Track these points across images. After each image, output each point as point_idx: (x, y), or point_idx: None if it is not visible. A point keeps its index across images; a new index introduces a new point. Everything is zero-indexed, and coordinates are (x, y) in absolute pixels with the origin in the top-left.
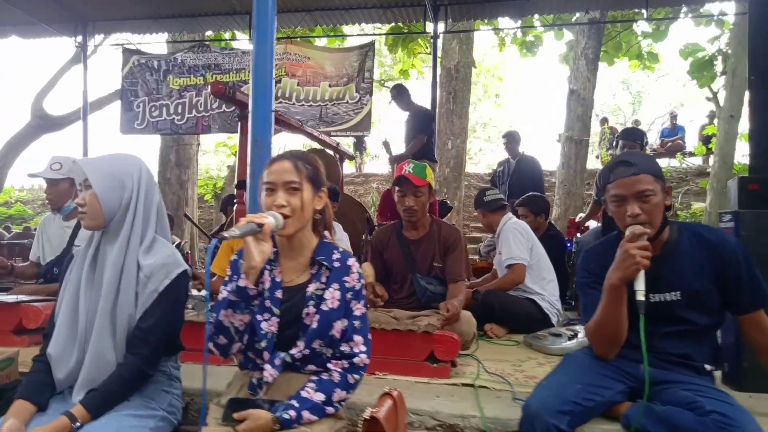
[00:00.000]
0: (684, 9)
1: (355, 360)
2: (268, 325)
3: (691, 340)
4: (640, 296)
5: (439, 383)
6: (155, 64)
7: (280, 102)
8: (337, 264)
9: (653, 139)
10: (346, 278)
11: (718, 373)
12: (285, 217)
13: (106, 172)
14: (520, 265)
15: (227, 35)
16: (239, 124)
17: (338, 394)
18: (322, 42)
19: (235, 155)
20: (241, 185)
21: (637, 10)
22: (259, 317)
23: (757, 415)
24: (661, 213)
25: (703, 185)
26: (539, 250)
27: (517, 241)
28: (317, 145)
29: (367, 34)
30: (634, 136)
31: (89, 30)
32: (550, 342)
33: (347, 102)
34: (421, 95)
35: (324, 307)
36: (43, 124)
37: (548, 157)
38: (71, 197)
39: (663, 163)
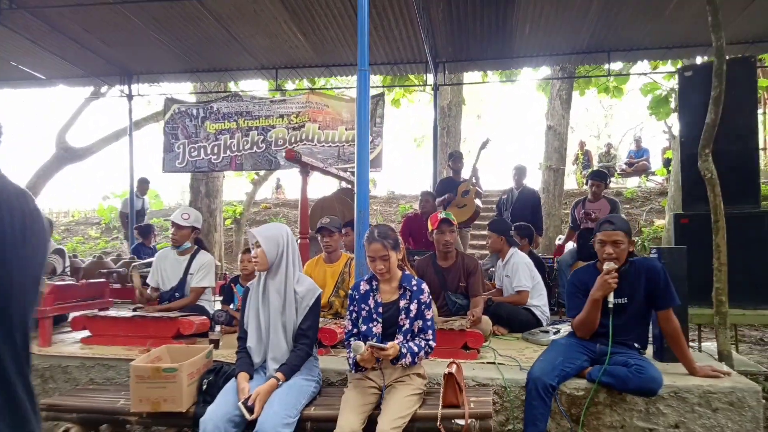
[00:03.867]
0: (640, 62)
1: (430, 343)
2: (376, 329)
3: (630, 329)
4: (610, 304)
5: (471, 362)
6: (194, 111)
7: (305, 144)
8: (415, 287)
9: (624, 157)
10: (421, 296)
11: (649, 351)
12: (382, 273)
13: (268, 237)
14: (525, 291)
15: (248, 85)
16: (302, 178)
17: (420, 356)
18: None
19: (253, 183)
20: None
21: (599, 66)
22: (369, 324)
23: (667, 373)
24: (625, 255)
25: (664, 204)
26: (536, 275)
27: (524, 273)
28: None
29: (379, 86)
30: (600, 177)
31: (133, 80)
32: (541, 336)
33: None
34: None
35: (410, 315)
36: (66, 155)
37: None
38: (189, 239)
39: (632, 182)
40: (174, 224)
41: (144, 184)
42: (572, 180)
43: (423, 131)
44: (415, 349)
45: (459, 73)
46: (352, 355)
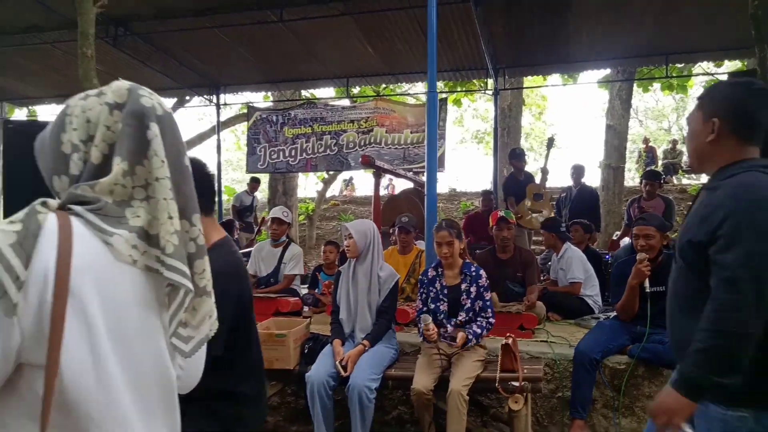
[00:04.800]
0: (700, 63)
1: (490, 320)
2: (443, 307)
3: (665, 313)
4: (647, 290)
5: (526, 340)
6: (273, 117)
7: (373, 146)
8: (474, 273)
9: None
10: (479, 280)
11: None
12: (446, 257)
13: (359, 230)
14: (578, 283)
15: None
16: (374, 181)
17: (483, 335)
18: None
19: (323, 182)
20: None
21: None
22: (437, 304)
23: None
24: (657, 247)
25: None
26: (589, 268)
27: (578, 266)
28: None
29: (442, 91)
30: (654, 177)
31: (220, 90)
32: (592, 322)
33: (425, 145)
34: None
35: (471, 296)
36: None
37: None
38: (285, 233)
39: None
40: (276, 220)
41: (255, 182)
42: (637, 177)
43: (482, 126)
44: (479, 331)
45: (518, 77)
46: (421, 325)
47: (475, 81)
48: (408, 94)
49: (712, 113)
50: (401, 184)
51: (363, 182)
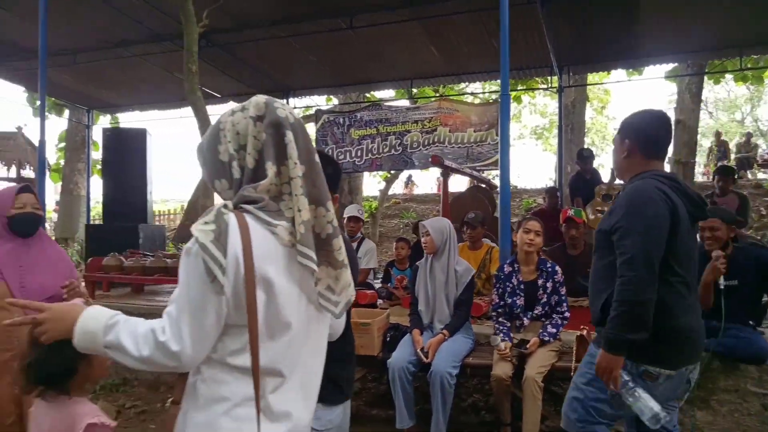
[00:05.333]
0: None
1: (565, 315)
2: (519, 301)
3: (742, 307)
4: (721, 285)
5: None
6: (340, 120)
7: (436, 145)
8: (550, 269)
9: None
10: (555, 276)
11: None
12: (531, 243)
13: (436, 228)
14: None
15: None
16: (443, 180)
17: (558, 330)
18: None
19: (385, 181)
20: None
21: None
22: (513, 298)
23: None
24: (722, 239)
25: None
26: None
27: None
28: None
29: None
30: (726, 172)
31: (290, 95)
32: None
33: (489, 143)
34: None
35: (547, 291)
36: None
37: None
38: (358, 231)
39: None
40: (353, 218)
41: None
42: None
43: (541, 121)
44: (553, 330)
45: (583, 73)
46: (493, 344)
47: (537, 78)
48: (471, 94)
49: (625, 136)
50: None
51: (422, 180)
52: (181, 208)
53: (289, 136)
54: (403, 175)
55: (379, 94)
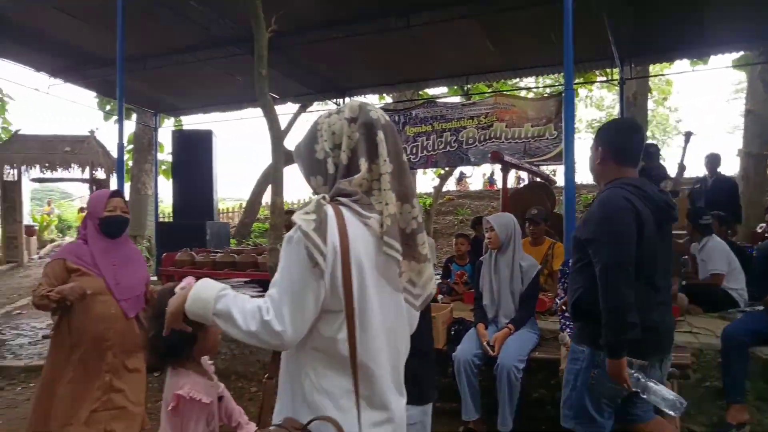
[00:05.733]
0: None
1: None
2: None
3: None
4: None
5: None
6: (395, 118)
7: (492, 141)
8: None
9: None
10: None
11: None
12: None
13: (500, 223)
14: (719, 274)
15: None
16: (502, 176)
17: None
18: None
19: (439, 177)
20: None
21: None
22: None
23: None
24: None
25: None
26: (734, 260)
27: (719, 258)
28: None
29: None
30: None
31: (345, 94)
32: (738, 316)
33: (547, 138)
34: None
35: None
36: (285, 158)
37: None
38: None
39: None
40: None
41: None
42: None
43: (597, 115)
44: None
45: (645, 65)
46: (562, 342)
47: (596, 71)
48: (525, 88)
49: (599, 144)
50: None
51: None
52: (240, 206)
53: (381, 135)
54: (455, 172)
55: (431, 92)
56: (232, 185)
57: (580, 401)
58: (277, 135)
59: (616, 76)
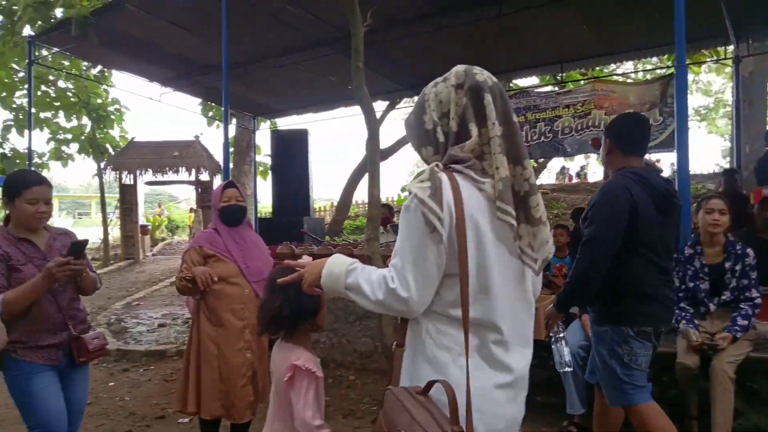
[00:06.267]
0: None
1: (756, 302)
2: (703, 285)
3: None
4: None
5: None
6: None
7: (591, 130)
8: (740, 251)
9: None
10: (746, 259)
11: None
12: (716, 224)
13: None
14: None
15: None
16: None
17: (750, 321)
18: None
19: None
20: None
21: None
22: (696, 282)
23: None
24: None
25: None
26: None
27: None
28: None
29: (667, 66)
30: None
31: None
32: None
33: (651, 125)
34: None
35: (735, 275)
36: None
37: None
38: None
39: None
40: None
41: None
42: None
43: (704, 101)
44: (745, 322)
45: (764, 41)
46: (683, 336)
47: (704, 51)
48: (622, 74)
49: (607, 136)
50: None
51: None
52: (331, 205)
53: (488, 98)
54: (555, 165)
55: (521, 83)
56: (323, 185)
57: (616, 377)
58: (373, 126)
59: (730, 55)
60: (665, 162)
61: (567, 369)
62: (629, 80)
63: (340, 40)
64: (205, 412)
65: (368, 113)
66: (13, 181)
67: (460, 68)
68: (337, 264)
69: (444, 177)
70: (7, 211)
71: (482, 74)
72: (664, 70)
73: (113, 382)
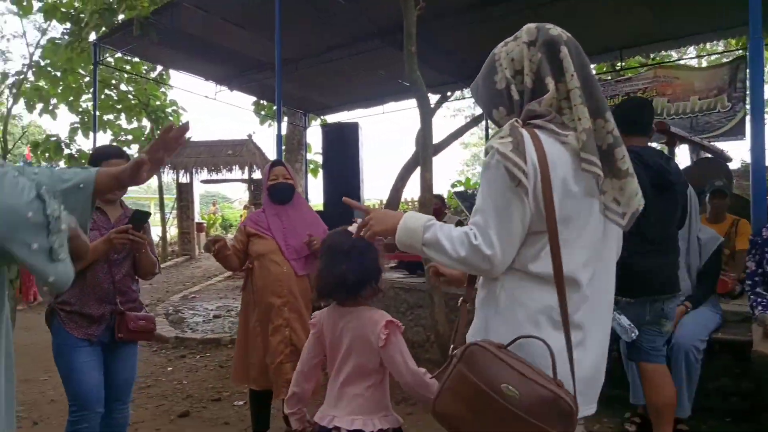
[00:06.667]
0: None
1: None
2: None
3: None
4: None
5: None
6: None
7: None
8: None
9: None
10: None
11: None
12: None
13: None
14: None
15: None
16: (668, 149)
17: None
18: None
19: None
20: None
21: None
22: None
23: None
24: None
25: None
26: None
27: None
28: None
29: (735, 50)
30: None
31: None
32: None
33: (718, 111)
34: None
35: None
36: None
37: None
38: None
39: None
40: None
41: None
42: None
43: None
44: None
45: None
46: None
47: None
48: (680, 58)
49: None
50: None
51: None
52: (380, 203)
53: (564, 51)
54: None
55: None
56: (371, 184)
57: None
58: (426, 110)
59: None
60: (734, 152)
61: (635, 334)
62: (699, 67)
63: (389, 33)
64: (254, 384)
65: (421, 96)
66: (97, 152)
67: (531, 26)
68: (414, 218)
69: (525, 132)
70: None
71: (555, 29)
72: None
73: (171, 368)
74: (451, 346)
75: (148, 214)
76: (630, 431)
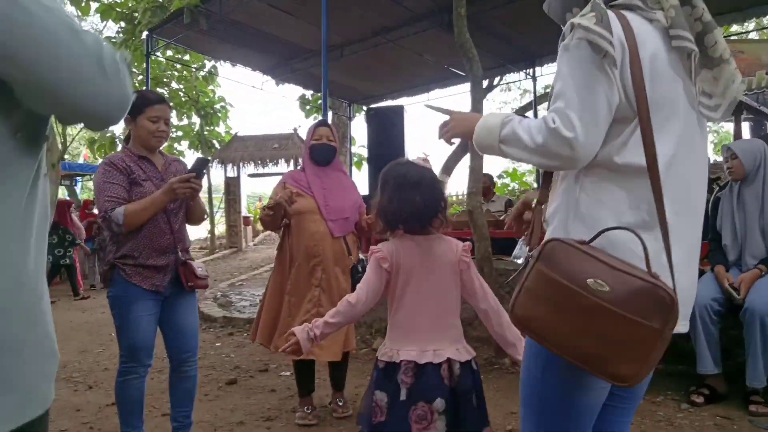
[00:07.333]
0: None
1: None
2: None
3: None
4: None
5: None
6: None
7: None
8: None
9: None
10: None
11: None
12: None
13: (745, 149)
14: None
15: None
16: (734, 124)
17: None
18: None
19: None
20: None
21: None
22: None
23: None
24: None
25: None
26: None
27: None
28: None
29: None
30: None
31: (536, 63)
32: None
33: None
34: None
35: None
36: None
37: None
38: None
39: None
40: None
41: None
42: None
43: None
44: None
45: None
46: None
47: None
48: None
49: None
50: None
51: None
52: None
53: None
54: None
55: None
56: None
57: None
58: (477, 74)
59: None
60: None
61: None
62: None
63: (435, 14)
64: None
65: (470, 59)
66: (137, 99)
67: None
68: (493, 116)
69: (608, 10)
70: (129, 130)
71: None
72: None
73: (219, 343)
74: (526, 248)
75: (208, 160)
76: (698, 402)
